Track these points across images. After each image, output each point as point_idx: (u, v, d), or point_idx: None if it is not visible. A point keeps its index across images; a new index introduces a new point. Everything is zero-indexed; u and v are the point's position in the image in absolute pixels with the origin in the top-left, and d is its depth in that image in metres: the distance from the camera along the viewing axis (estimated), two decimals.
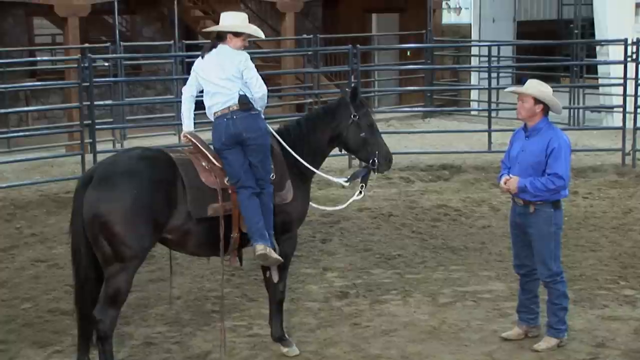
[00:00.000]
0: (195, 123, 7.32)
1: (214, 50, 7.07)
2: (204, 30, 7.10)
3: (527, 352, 7.32)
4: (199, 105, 7.27)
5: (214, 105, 7.03)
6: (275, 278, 7.25)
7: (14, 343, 7.65)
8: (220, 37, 7.08)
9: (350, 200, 7.62)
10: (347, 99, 7.39)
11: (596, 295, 8.68)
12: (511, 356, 7.27)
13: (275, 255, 6.96)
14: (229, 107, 6.96)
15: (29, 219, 12.01)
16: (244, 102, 6.98)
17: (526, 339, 7.54)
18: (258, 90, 6.99)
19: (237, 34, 7.06)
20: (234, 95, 6.96)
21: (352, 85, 8.86)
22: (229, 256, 7.08)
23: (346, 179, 7.62)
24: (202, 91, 7.18)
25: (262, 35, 7.25)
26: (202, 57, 7.11)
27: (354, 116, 7.35)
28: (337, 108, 7.44)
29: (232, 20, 7.10)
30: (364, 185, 7.50)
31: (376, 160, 7.43)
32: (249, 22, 7.21)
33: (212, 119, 7.08)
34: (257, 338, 7.69)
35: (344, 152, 7.77)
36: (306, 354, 7.28)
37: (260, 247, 6.88)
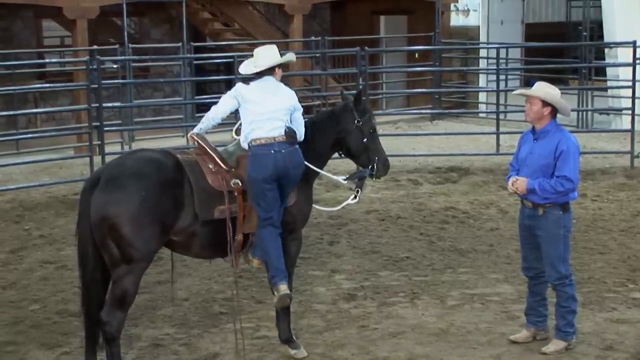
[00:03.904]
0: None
1: (260, 80, 7.11)
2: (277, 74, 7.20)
3: (535, 355, 7.30)
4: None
5: (256, 131, 6.93)
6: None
7: (22, 344, 7.67)
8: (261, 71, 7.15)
9: (345, 204, 7.67)
10: (351, 104, 7.42)
11: (605, 298, 8.66)
12: (519, 359, 7.26)
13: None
14: (274, 137, 6.92)
15: (38, 220, 12.03)
16: (292, 134, 7.00)
17: (534, 341, 7.52)
18: (302, 130, 7.15)
19: (279, 66, 7.19)
20: (282, 126, 6.96)
21: (356, 91, 8.90)
22: (232, 257, 7.10)
23: (345, 178, 7.67)
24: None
25: (294, 58, 7.63)
26: (247, 84, 7.13)
27: (358, 122, 7.39)
28: (341, 113, 7.48)
29: (271, 52, 7.19)
30: (359, 189, 7.55)
31: (375, 166, 7.44)
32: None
33: (245, 144, 7.01)
34: (265, 340, 7.69)
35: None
36: (314, 356, 7.28)
37: (283, 287, 6.98)
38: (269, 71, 7.13)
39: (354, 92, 8.09)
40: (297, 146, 7.05)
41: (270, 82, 7.12)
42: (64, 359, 7.36)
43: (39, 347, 7.61)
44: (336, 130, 7.41)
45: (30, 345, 7.65)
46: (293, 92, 7.22)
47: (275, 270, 6.97)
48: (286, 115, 7.03)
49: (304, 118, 7.27)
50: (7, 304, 8.75)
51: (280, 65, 7.22)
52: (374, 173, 7.50)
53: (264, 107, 6.96)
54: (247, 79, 7.25)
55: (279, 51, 7.25)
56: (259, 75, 7.13)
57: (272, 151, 6.88)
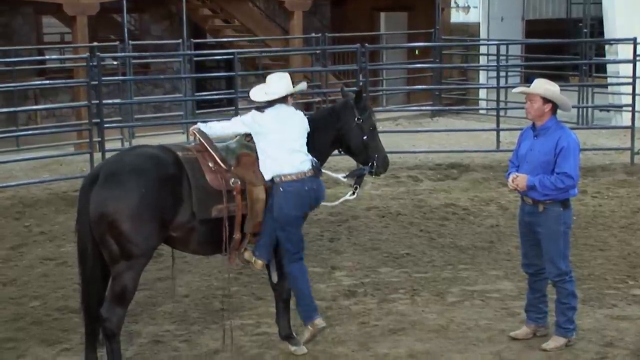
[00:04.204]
0: (203, 122, 7.33)
1: (274, 109, 7.04)
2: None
3: (535, 352, 7.30)
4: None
5: (284, 167, 6.85)
6: (275, 279, 7.31)
7: (22, 341, 7.68)
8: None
9: (342, 199, 7.66)
10: (352, 102, 7.42)
11: (605, 295, 8.66)
12: (519, 355, 7.26)
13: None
14: (304, 173, 6.89)
15: (38, 217, 12.03)
16: (318, 168, 6.99)
17: (534, 338, 7.53)
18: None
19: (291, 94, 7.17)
20: (308, 159, 6.92)
21: (357, 88, 8.90)
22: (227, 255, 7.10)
23: (344, 175, 7.67)
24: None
25: (305, 87, 7.64)
26: (262, 112, 7.04)
27: (358, 119, 7.39)
28: (341, 110, 7.47)
29: (283, 81, 7.10)
30: (357, 186, 7.55)
31: (375, 163, 7.45)
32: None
33: (269, 176, 6.91)
34: (265, 336, 7.69)
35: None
36: (314, 352, 7.28)
37: (319, 321, 7.08)
38: (282, 99, 7.07)
39: (355, 88, 8.06)
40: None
41: (286, 111, 7.06)
42: (65, 356, 7.37)
43: (39, 343, 7.61)
44: (336, 128, 7.40)
45: (31, 341, 7.66)
46: (303, 116, 7.17)
47: (307, 306, 7.02)
48: (304, 143, 7.01)
49: (305, 115, 7.26)
50: (7, 301, 8.76)
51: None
52: (373, 170, 7.51)
53: (284, 138, 6.89)
54: (260, 107, 7.10)
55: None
56: (270, 102, 7.07)
57: (306, 188, 6.87)
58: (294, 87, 7.16)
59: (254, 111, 7.10)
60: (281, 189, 6.82)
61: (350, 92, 7.62)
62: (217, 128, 7.21)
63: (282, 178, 6.83)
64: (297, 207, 6.86)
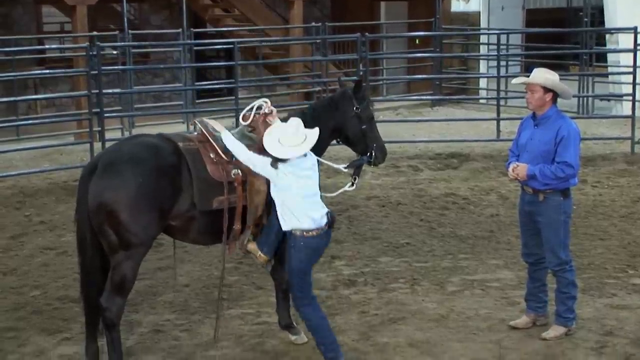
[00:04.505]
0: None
1: (290, 164, 6.59)
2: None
3: (535, 341, 7.31)
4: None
5: (305, 222, 6.57)
6: (269, 269, 7.29)
7: (23, 330, 7.69)
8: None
9: (341, 190, 7.55)
10: (350, 92, 7.40)
11: (605, 284, 8.67)
12: (519, 344, 7.27)
13: None
14: (323, 228, 6.62)
15: (38, 206, 12.04)
16: (334, 220, 6.76)
17: (534, 327, 7.54)
18: None
19: None
20: (325, 212, 6.67)
21: (357, 77, 8.84)
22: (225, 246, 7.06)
23: (345, 166, 7.63)
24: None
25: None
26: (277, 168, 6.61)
27: (357, 109, 7.38)
28: (340, 100, 7.44)
29: (301, 132, 6.61)
30: (356, 177, 7.50)
31: (373, 153, 7.43)
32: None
33: (288, 228, 6.62)
34: (265, 326, 7.70)
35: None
36: (314, 342, 7.28)
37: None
38: None
39: (355, 78, 8.02)
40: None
41: (303, 162, 6.61)
42: (65, 345, 7.37)
43: (40, 332, 7.63)
44: (335, 118, 7.37)
45: (31, 331, 7.67)
46: (313, 156, 6.76)
47: (328, 346, 6.76)
48: (319, 193, 6.76)
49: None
50: (7, 290, 8.77)
51: None
52: (372, 160, 7.50)
53: (304, 194, 6.57)
54: (275, 163, 6.59)
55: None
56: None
57: (324, 242, 6.70)
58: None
59: (269, 166, 6.58)
60: (302, 244, 6.60)
61: (349, 81, 7.57)
62: (235, 145, 6.80)
63: (305, 233, 6.58)
64: (314, 260, 6.79)
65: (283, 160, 6.51)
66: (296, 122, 6.64)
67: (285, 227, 6.66)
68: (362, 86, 7.53)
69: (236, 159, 6.82)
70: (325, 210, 6.69)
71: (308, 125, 7.12)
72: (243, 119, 7.17)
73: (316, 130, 6.68)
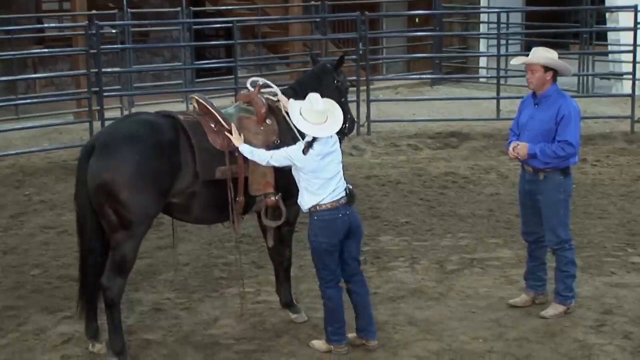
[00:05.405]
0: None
1: (319, 143, 6.57)
2: None
3: (534, 319, 7.33)
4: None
5: (327, 195, 6.55)
6: (270, 243, 7.25)
7: (23, 309, 7.71)
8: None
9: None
10: (330, 66, 7.52)
11: (604, 263, 8.69)
12: (518, 323, 7.29)
13: None
14: (337, 201, 6.60)
15: (38, 185, 12.05)
16: (353, 195, 6.72)
17: (533, 305, 7.56)
18: None
19: None
20: (343, 187, 6.65)
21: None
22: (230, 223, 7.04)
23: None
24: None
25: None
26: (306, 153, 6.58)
27: (337, 81, 7.49)
28: (321, 74, 7.54)
29: (337, 115, 6.65)
30: None
31: (347, 125, 7.43)
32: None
33: (307, 208, 6.62)
34: (266, 304, 7.72)
35: None
36: (314, 320, 7.30)
37: (344, 349, 6.80)
38: None
39: (334, 58, 8.02)
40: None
41: (328, 143, 6.60)
42: (65, 323, 7.39)
43: (40, 311, 7.65)
44: (321, 90, 7.23)
45: (31, 309, 7.69)
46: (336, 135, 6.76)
47: (336, 329, 6.76)
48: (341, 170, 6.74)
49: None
50: (8, 269, 8.79)
51: None
52: (345, 132, 7.50)
53: (329, 177, 6.57)
54: (307, 145, 6.55)
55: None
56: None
57: (340, 214, 6.60)
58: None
59: (300, 151, 6.55)
60: (315, 218, 6.61)
61: (324, 60, 7.59)
62: (254, 153, 6.75)
63: (317, 207, 6.59)
64: (329, 236, 6.66)
65: (312, 143, 6.46)
66: (317, 96, 6.64)
67: (304, 207, 6.67)
68: (344, 61, 7.64)
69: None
70: (344, 184, 6.68)
71: (297, 97, 7.09)
72: (238, 99, 7.21)
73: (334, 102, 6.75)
